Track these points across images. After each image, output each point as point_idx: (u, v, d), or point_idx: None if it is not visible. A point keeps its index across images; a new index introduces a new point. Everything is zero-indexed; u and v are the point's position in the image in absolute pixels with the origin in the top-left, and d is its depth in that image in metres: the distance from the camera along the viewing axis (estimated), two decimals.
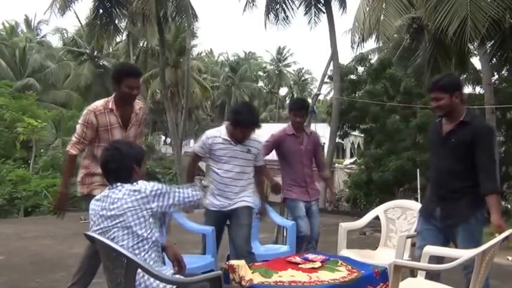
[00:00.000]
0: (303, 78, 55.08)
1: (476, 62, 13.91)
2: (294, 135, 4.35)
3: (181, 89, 28.31)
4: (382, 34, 10.99)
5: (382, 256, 3.81)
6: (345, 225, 4.14)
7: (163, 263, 2.57)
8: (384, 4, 10.57)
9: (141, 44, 30.03)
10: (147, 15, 13.53)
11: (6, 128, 15.49)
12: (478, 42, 9.05)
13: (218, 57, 55.05)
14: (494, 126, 10.49)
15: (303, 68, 55.22)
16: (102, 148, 3.32)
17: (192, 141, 44.46)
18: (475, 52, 11.61)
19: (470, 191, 3.03)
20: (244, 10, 12.97)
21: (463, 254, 2.68)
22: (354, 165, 18.08)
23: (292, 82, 53.65)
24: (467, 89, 16.76)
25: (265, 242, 4.74)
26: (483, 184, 2.98)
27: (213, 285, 2.38)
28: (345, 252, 3.84)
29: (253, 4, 12.87)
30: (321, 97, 31.30)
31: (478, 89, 15.22)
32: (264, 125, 17.84)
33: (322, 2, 12.36)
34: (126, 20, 16.38)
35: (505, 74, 13.08)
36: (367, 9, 11.66)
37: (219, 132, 3.67)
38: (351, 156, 34.04)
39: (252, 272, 2.74)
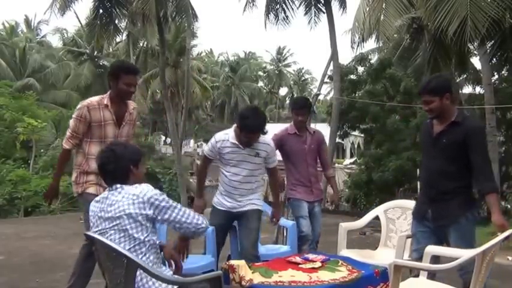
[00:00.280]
0: (303, 78, 55.11)
1: (476, 62, 13.92)
2: (296, 134, 4.32)
3: (181, 89, 28.31)
4: (382, 34, 10.98)
5: (382, 256, 3.81)
6: (345, 225, 4.14)
7: (164, 264, 2.57)
8: (384, 4, 10.56)
9: (141, 44, 30.03)
10: (147, 15, 13.51)
11: (6, 128, 15.48)
12: (478, 42, 9.05)
13: (218, 57, 55.09)
14: (494, 126, 10.50)
15: (303, 68, 55.31)
16: (95, 146, 3.35)
17: (192, 141, 44.53)
18: (475, 52, 11.61)
19: (461, 192, 3.04)
20: (244, 10, 12.96)
21: (464, 254, 2.67)
22: (354, 165, 18.08)
23: (292, 82, 53.68)
24: (467, 89, 16.79)
25: (265, 242, 4.74)
26: (482, 184, 2.98)
27: (213, 285, 2.38)
28: (345, 252, 3.84)
29: (253, 4, 12.85)
30: (321, 97, 31.35)
31: (478, 89, 15.24)
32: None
33: (322, 2, 12.34)
34: (126, 20, 16.34)
35: (505, 74, 13.08)
36: (367, 9, 11.65)
37: (227, 136, 3.63)
38: (351, 156, 34.04)
39: (252, 272, 2.74)
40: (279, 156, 4.35)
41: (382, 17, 10.60)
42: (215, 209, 3.78)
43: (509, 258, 5.87)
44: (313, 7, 12.79)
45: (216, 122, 48.06)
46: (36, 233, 7.49)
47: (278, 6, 12.80)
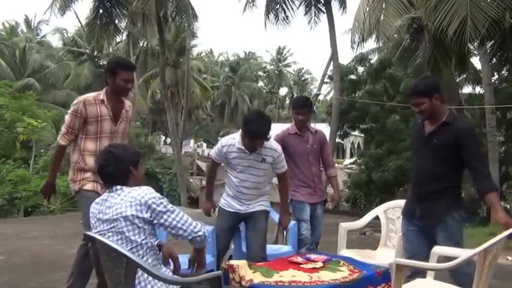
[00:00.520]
0: (303, 78, 55.12)
1: (476, 62, 13.93)
2: (297, 134, 4.27)
3: (181, 89, 28.33)
4: (382, 34, 10.98)
5: (382, 256, 3.81)
6: (345, 225, 4.13)
7: (164, 265, 2.57)
8: (384, 4, 10.56)
9: (141, 44, 30.04)
10: (147, 15, 13.53)
11: (6, 128, 15.48)
12: (478, 42, 9.05)
13: (218, 57, 55.09)
14: (494, 126, 10.51)
15: (303, 68, 55.31)
16: (91, 143, 3.32)
17: (192, 141, 44.54)
18: (475, 52, 11.62)
19: (449, 192, 3.04)
20: (244, 10, 12.97)
21: (467, 253, 2.64)
22: (354, 165, 18.10)
23: (292, 82, 53.69)
24: (467, 89, 16.80)
25: None
26: (480, 184, 2.98)
27: (213, 285, 2.38)
28: (344, 252, 3.83)
29: (253, 4, 12.86)
30: (321, 97, 31.36)
31: (478, 89, 15.25)
32: None
33: (322, 2, 12.34)
34: (126, 20, 16.36)
35: (505, 74, 13.09)
36: (367, 9, 11.64)
37: (234, 140, 3.58)
38: (351, 156, 34.08)
39: (253, 272, 2.75)
40: None
41: (382, 17, 10.60)
42: (222, 210, 3.74)
43: (509, 258, 5.86)
44: (313, 7, 12.79)
45: (216, 122, 48.09)
46: (36, 233, 7.49)
47: (278, 6, 12.81)
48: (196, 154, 36.58)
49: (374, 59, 16.20)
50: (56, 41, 41.36)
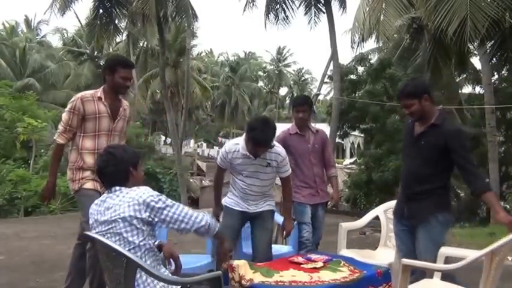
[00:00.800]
0: (303, 78, 55.17)
1: (476, 62, 13.94)
2: (298, 134, 4.21)
3: (181, 89, 28.36)
4: (382, 34, 10.97)
5: (382, 256, 3.81)
6: (345, 225, 4.13)
7: (164, 265, 2.56)
8: (384, 4, 10.56)
9: (141, 44, 30.06)
10: (147, 15, 13.51)
11: (6, 128, 15.48)
12: (478, 42, 9.06)
13: (218, 57, 55.19)
14: (494, 126, 10.50)
15: (303, 68, 55.41)
16: (89, 141, 3.29)
17: (192, 141, 44.54)
18: (475, 52, 11.63)
19: (435, 193, 3.03)
20: (244, 10, 12.95)
21: (473, 254, 2.64)
22: (354, 165, 18.09)
23: (292, 82, 53.74)
24: (467, 89, 16.81)
25: None
26: (473, 185, 2.97)
27: (213, 285, 2.37)
28: (344, 252, 3.83)
29: (253, 4, 12.85)
30: (321, 97, 31.43)
31: (478, 89, 15.27)
32: None
33: (322, 2, 12.34)
34: (126, 20, 16.35)
35: (505, 74, 13.10)
36: (367, 9, 11.64)
37: (238, 146, 3.53)
38: (351, 156, 34.09)
39: (253, 272, 2.74)
40: None
41: (382, 17, 10.60)
42: (230, 209, 3.68)
43: (509, 258, 5.86)
44: (313, 7, 12.78)
45: (216, 122, 48.11)
46: (36, 233, 7.49)
47: (278, 6, 12.79)
48: (197, 154, 36.59)
49: (374, 59, 16.21)
50: (56, 41, 41.46)
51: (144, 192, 2.31)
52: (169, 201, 2.35)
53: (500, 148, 12.55)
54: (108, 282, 2.35)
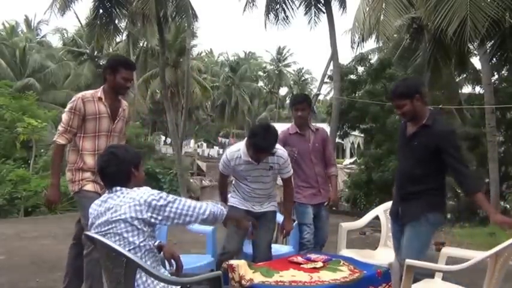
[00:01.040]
0: (303, 78, 55.21)
1: (476, 62, 13.95)
2: (298, 133, 4.17)
3: (181, 89, 28.37)
4: (382, 34, 10.97)
5: (382, 256, 3.81)
6: (345, 225, 4.13)
7: (164, 265, 2.56)
8: (384, 4, 10.56)
9: (141, 44, 30.07)
10: (147, 15, 13.51)
11: (6, 128, 15.46)
12: (477, 42, 9.06)
13: (218, 57, 55.23)
14: (494, 126, 10.50)
15: (303, 68, 55.49)
16: (90, 141, 3.26)
17: (192, 141, 44.54)
18: (475, 52, 11.63)
19: (428, 194, 3.03)
20: (244, 10, 12.95)
21: (478, 256, 2.64)
22: (353, 165, 18.08)
23: (292, 82, 53.77)
24: (467, 89, 16.82)
25: None
26: (464, 186, 2.98)
27: (213, 285, 2.37)
28: (344, 252, 3.84)
29: (253, 4, 12.85)
30: (321, 97, 31.43)
31: (478, 89, 15.27)
32: None
33: (322, 2, 12.33)
34: (126, 20, 16.36)
35: (505, 74, 13.10)
36: (367, 9, 11.65)
37: (239, 152, 3.51)
38: (351, 156, 34.09)
39: (253, 272, 2.74)
40: None
41: (382, 17, 10.60)
42: (235, 208, 3.65)
43: None
44: (313, 7, 12.78)
45: (216, 122, 48.12)
46: (36, 233, 7.48)
47: (278, 6, 12.79)
48: (197, 154, 36.65)
49: (374, 59, 16.20)
50: (56, 41, 41.47)
51: (144, 193, 2.31)
52: (170, 197, 2.35)
53: (500, 148, 12.53)
54: (108, 282, 2.35)
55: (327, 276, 2.75)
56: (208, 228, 3.93)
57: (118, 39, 23.59)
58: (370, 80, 13.82)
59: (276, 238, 4.93)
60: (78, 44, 30.34)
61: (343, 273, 2.82)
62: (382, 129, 12.86)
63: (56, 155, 3.37)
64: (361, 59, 14.99)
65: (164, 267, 2.53)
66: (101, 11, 13.98)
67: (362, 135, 16.35)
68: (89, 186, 3.26)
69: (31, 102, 17.19)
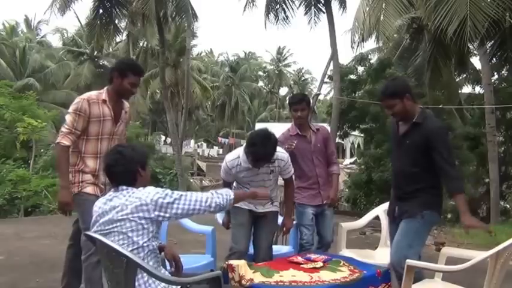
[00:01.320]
0: (303, 78, 55.27)
1: (476, 62, 13.94)
2: (299, 135, 4.09)
3: (181, 89, 28.34)
4: (382, 34, 10.97)
5: (382, 256, 3.80)
6: (345, 225, 4.13)
7: (164, 265, 2.57)
8: (384, 4, 10.56)
9: (141, 44, 30.06)
10: (147, 15, 13.53)
11: (6, 128, 15.47)
12: (477, 42, 9.06)
13: (218, 57, 55.24)
14: (494, 126, 10.50)
15: (303, 68, 55.60)
16: (92, 144, 3.21)
17: (192, 141, 44.56)
18: (475, 52, 11.63)
19: (424, 192, 3.03)
20: (244, 10, 12.93)
21: (477, 256, 2.64)
22: (354, 165, 18.08)
23: (292, 82, 53.83)
24: (467, 89, 16.81)
25: None
26: (447, 185, 2.97)
27: (213, 285, 2.38)
28: (344, 252, 3.83)
29: (253, 4, 12.83)
30: (321, 97, 31.37)
31: (478, 89, 15.26)
32: (265, 125, 17.86)
33: (322, 2, 12.33)
34: (126, 20, 16.37)
35: (505, 74, 13.09)
36: (367, 9, 11.64)
37: (239, 160, 3.49)
38: (351, 156, 34.10)
39: (253, 272, 2.74)
40: None
41: (382, 17, 10.60)
42: (239, 208, 3.64)
43: None
44: (313, 7, 12.77)
45: (217, 122, 48.13)
46: (36, 233, 7.48)
47: (278, 6, 12.78)
48: (197, 154, 36.63)
49: (374, 59, 16.19)
50: (56, 41, 41.47)
51: (149, 192, 2.32)
52: (175, 194, 2.37)
53: (500, 148, 12.54)
54: (109, 282, 2.35)
55: (327, 276, 2.75)
56: (208, 228, 3.94)
57: (118, 39, 23.58)
58: (370, 80, 13.82)
59: (276, 238, 4.93)
60: (78, 44, 30.34)
61: (343, 273, 2.82)
62: (382, 129, 12.85)
63: (62, 157, 3.22)
64: (361, 59, 14.99)
65: (164, 267, 2.53)
66: (101, 11, 13.99)
67: (362, 135, 16.34)
68: (89, 189, 3.21)
69: (31, 102, 17.19)
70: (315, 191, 4.07)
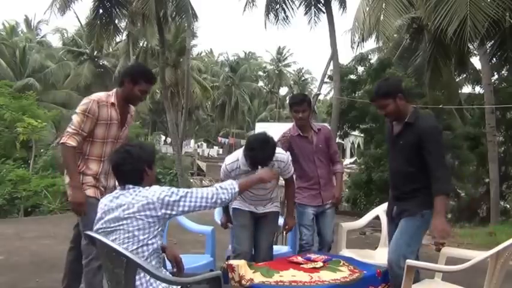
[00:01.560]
0: (303, 78, 55.25)
1: (476, 62, 13.94)
2: (300, 135, 4.06)
3: (181, 89, 28.33)
4: (382, 34, 10.97)
5: (382, 256, 3.80)
6: (345, 225, 4.13)
7: (165, 266, 2.57)
8: (384, 4, 10.56)
9: (141, 44, 30.05)
10: (147, 15, 13.53)
11: (6, 128, 15.46)
12: (477, 42, 9.06)
13: (218, 57, 55.20)
14: (494, 126, 10.50)
15: (303, 68, 55.54)
16: (97, 147, 3.16)
17: (192, 141, 44.55)
18: (475, 52, 11.63)
19: (422, 192, 3.02)
20: (244, 10, 12.94)
21: (477, 256, 2.64)
22: (354, 165, 18.08)
23: (292, 82, 53.81)
24: (467, 89, 16.81)
25: None
26: (433, 185, 2.95)
27: (213, 285, 2.38)
28: (344, 252, 3.84)
29: (253, 4, 12.83)
30: (321, 97, 31.36)
31: (478, 89, 15.26)
32: (265, 125, 17.85)
33: (322, 2, 12.33)
34: (126, 20, 16.37)
35: (505, 74, 13.09)
36: (367, 9, 11.64)
37: (238, 163, 3.48)
38: (351, 156, 34.11)
39: (253, 272, 2.75)
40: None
41: (382, 17, 10.60)
42: (240, 210, 3.65)
43: None
44: (313, 7, 12.78)
45: (217, 122, 48.12)
46: (36, 233, 7.48)
47: (278, 6, 12.79)
48: (197, 154, 36.62)
49: (374, 59, 16.19)
50: (56, 41, 41.42)
51: (155, 191, 2.34)
52: (181, 192, 2.39)
53: (500, 148, 12.54)
54: (109, 282, 2.35)
55: (327, 276, 2.75)
56: (208, 229, 3.94)
57: (118, 39, 23.57)
58: (370, 80, 13.80)
59: (276, 238, 4.93)
60: (78, 44, 30.36)
61: (343, 273, 2.82)
62: (382, 129, 12.82)
63: (69, 157, 3.11)
64: (361, 59, 14.99)
65: (165, 267, 2.54)
66: (101, 11, 13.99)
67: (362, 135, 16.35)
68: (90, 192, 3.16)
69: (31, 102, 17.18)
70: (316, 192, 4.05)
